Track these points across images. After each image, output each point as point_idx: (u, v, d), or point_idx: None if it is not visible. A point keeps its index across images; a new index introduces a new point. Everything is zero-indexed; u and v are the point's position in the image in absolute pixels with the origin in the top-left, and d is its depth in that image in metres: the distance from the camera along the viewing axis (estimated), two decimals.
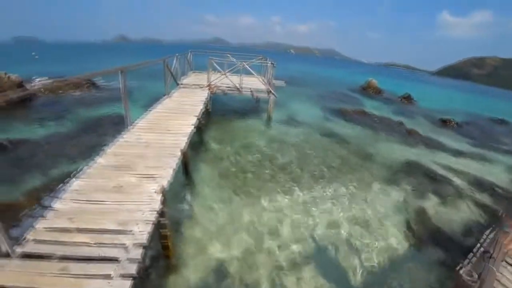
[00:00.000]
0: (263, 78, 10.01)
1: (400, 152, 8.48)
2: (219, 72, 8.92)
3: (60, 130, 7.78)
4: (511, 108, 30.22)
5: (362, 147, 8.36)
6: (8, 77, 10.56)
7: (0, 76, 10.38)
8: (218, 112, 9.78)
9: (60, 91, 12.29)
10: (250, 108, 10.90)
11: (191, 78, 10.25)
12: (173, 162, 3.67)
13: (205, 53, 11.48)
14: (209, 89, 8.64)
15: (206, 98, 7.62)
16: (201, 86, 8.83)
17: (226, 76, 8.82)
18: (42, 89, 12.25)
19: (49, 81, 13.27)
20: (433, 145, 9.82)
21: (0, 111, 9.70)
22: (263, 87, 9.19)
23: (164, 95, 7.45)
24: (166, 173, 3.38)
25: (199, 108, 6.49)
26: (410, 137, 10.34)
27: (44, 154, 6.14)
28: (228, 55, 10.16)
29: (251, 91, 8.92)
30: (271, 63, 9.09)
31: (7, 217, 2.19)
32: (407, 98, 20.34)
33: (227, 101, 10.97)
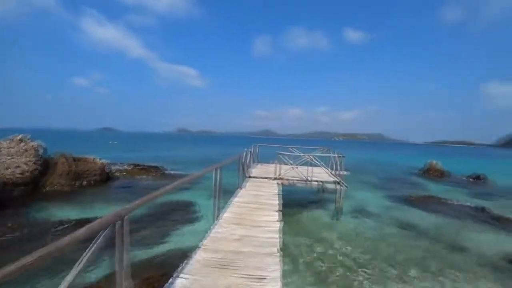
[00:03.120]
0: (329, 169, 9.98)
1: (498, 245, 6.87)
2: (287, 164, 9.22)
3: (136, 212, 8.37)
4: None
5: (446, 240, 7.13)
6: (95, 161, 12.43)
7: (89, 159, 12.30)
8: (285, 203, 9.59)
9: (132, 175, 14.35)
10: (315, 199, 10.55)
11: (258, 170, 10.76)
12: (276, 263, 3.38)
13: (269, 146, 12.38)
14: (280, 181, 8.78)
15: (279, 191, 7.66)
16: (269, 178, 9.08)
17: (293, 169, 9.02)
18: (119, 172, 14.17)
19: (127, 166, 15.38)
20: None
21: (87, 188, 10.97)
22: (331, 178, 9.04)
23: (237, 188, 7.76)
24: (273, 274, 3.11)
25: (277, 202, 6.50)
26: (502, 224, 8.58)
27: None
28: (294, 149, 10.72)
29: (320, 183, 8.79)
30: (340, 155, 9.17)
31: None
32: (479, 178, 18.34)
33: (292, 192, 10.88)
